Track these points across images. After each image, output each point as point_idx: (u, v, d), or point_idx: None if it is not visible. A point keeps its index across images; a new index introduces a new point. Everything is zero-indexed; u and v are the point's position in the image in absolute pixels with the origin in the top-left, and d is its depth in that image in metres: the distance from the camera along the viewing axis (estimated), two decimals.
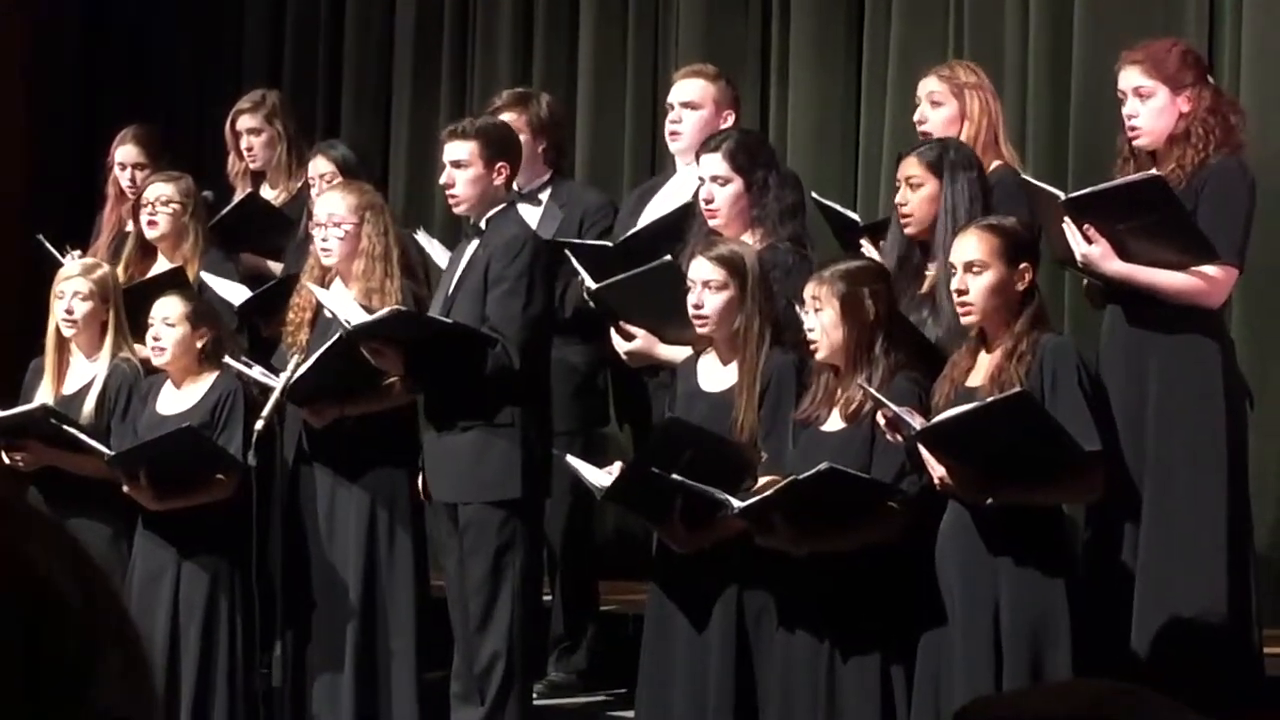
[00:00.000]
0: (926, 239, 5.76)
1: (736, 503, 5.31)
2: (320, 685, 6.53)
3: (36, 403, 6.65)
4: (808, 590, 5.35)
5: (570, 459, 5.99)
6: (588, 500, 6.64)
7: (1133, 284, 5.42)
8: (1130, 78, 5.58)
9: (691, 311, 5.73)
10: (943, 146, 5.84)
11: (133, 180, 7.70)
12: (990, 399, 5.02)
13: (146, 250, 7.29)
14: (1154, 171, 5.42)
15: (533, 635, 6.51)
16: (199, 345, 6.57)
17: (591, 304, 6.50)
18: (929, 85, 6.40)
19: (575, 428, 6.98)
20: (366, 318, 6.21)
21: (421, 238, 7.03)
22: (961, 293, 5.20)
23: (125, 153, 7.79)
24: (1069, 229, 5.42)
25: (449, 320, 6.26)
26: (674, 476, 5.40)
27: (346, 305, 6.31)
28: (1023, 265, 5.21)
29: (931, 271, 5.70)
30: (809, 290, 5.42)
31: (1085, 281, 5.70)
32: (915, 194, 5.75)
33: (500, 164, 6.38)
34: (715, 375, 5.79)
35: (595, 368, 7.14)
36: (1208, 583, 5.34)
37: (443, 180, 6.43)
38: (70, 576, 1.31)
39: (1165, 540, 5.36)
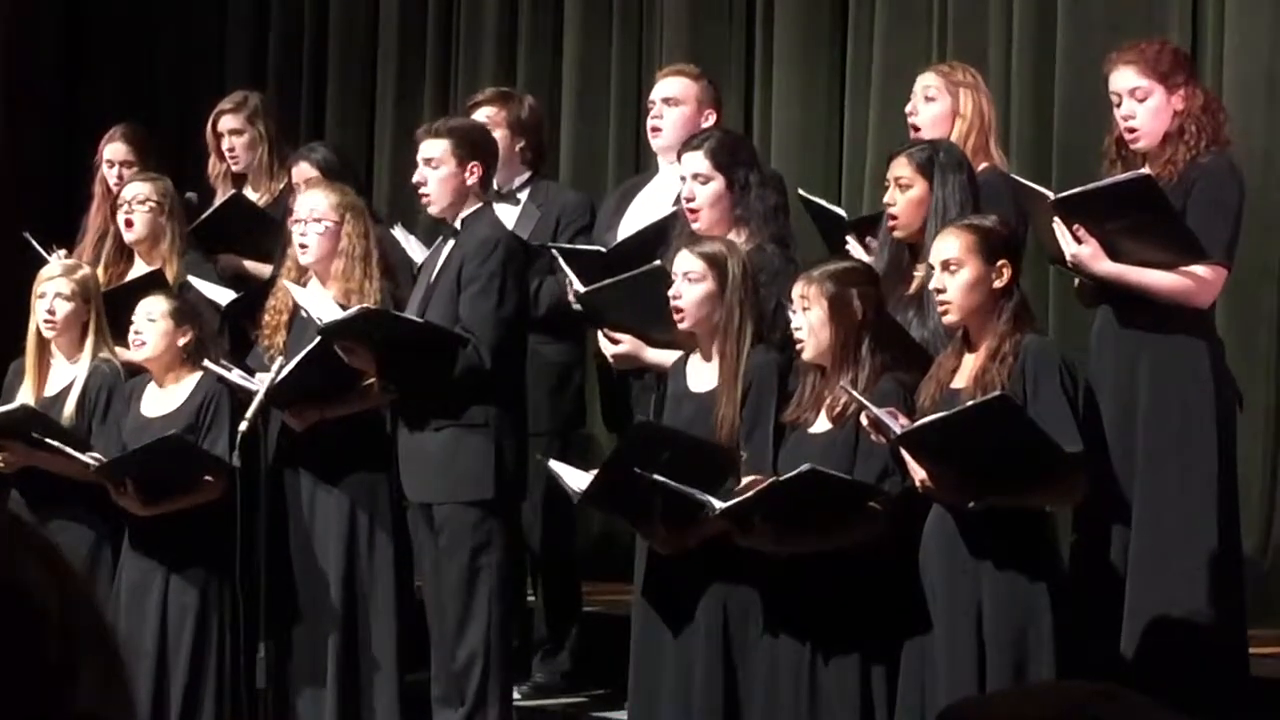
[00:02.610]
0: (916, 241, 5.76)
1: (717, 504, 5.30)
2: (303, 688, 6.52)
3: (17, 403, 6.64)
4: (791, 593, 5.35)
5: (552, 463, 5.98)
6: (569, 501, 6.65)
7: (1123, 284, 5.42)
8: (1124, 79, 5.57)
9: (672, 303, 5.72)
10: (933, 148, 5.83)
11: (120, 178, 7.69)
12: (969, 403, 5.01)
13: (125, 251, 7.28)
14: (1143, 171, 5.42)
15: (512, 636, 6.51)
16: (181, 344, 6.56)
17: (579, 308, 6.50)
18: (926, 80, 6.40)
19: (552, 428, 6.98)
20: (338, 315, 6.20)
21: (398, 233, 7.02)
22: (939, 291, 5.20)
23: (114, 150, 7.79)
24: (1059, 229, 5.42)
25: (419, 319, 6.26)
26: (655, 477, 5.39)
27: (322, 303, 6.30)
28: (1000, 263, 5.19)
29: (920, 273, 5.70)
30: (797, 290, 5.42)
31: (1077, 281, 5.70)
32: (904, 195, 5.74)
33: (473, 164, 6.37)
34: (701, 375, 5.79)
35: (571, 367, 7.14)
36: (1198, 583, 5.34)
37: (415, 178, 6.43)
38: (48, 582, 1.31)
39: (1155, 540, 5.36)
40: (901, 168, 5.76)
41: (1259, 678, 5.60)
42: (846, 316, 5.34)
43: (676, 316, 5.72)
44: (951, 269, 5.18)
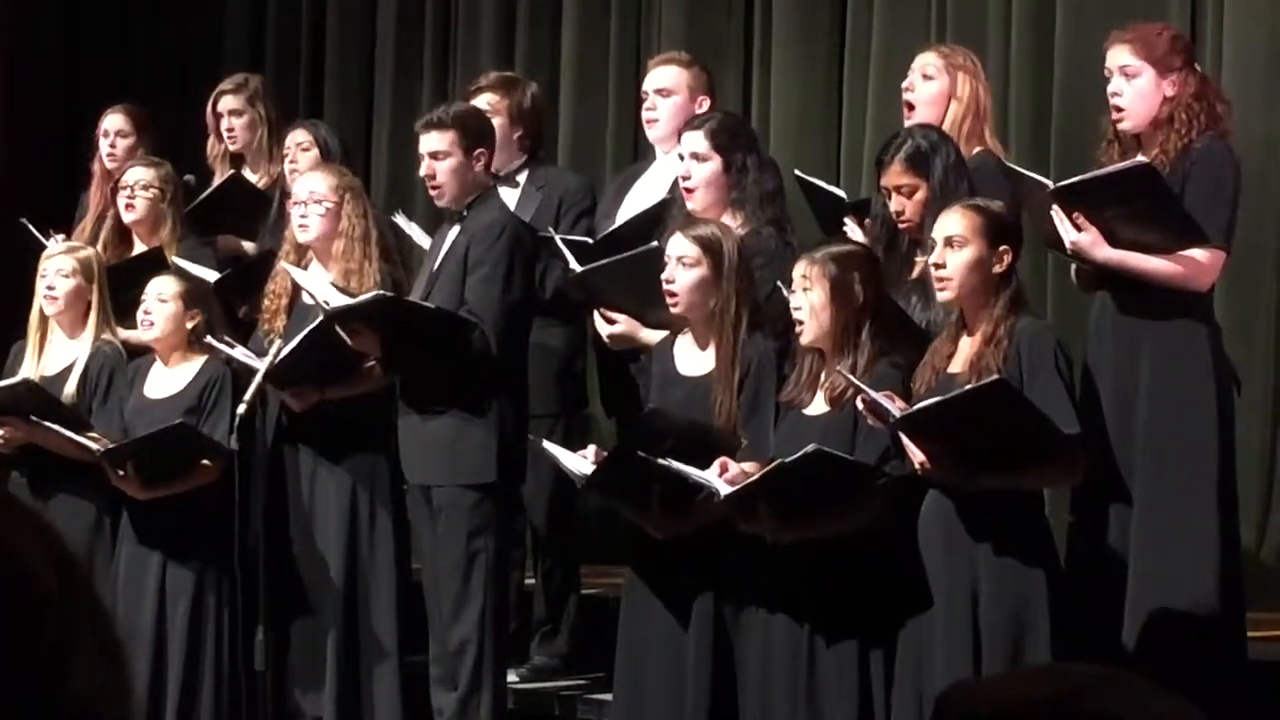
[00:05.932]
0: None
1: (724, 489, 5.30)
2: (302, 669, 6.53)
3: (19, 377, 6.64)
4: (788, 578, 5.35)
5: (548, 445, 5.98)
6: (569, 484, 6.65)
7: (1123, 270, 5.42)
8: (1118, 56, 5.57)
9: (665, 287, 5.72)
10: (911, 140, 5.77)
11: (113, 146, 7.71)
12: (968, 387, 5.02)
13: (124, 235, 7.29)
14: (1143, 158, 5.41)
15: (508, 619, 6.52)
16: (189, 326, 6.58)
17: (571, 293, 6.51)
18: (926, 59, 6.38)
19: (555, 411, 6.98)
20: (346, 300, 6.20)
21: (401, 220, 7.03)
22: (939, 267, 5.20)
23: (111, 121, 7.82)
24: (1058, 217, 5.41)
25: (430, 305, 6.26)
26: (661, 461, 5.38)
27: (323, 287, 6.30)
28: (1003, 248, 5.21)
29: (921, 258, 5.69)
30: (798, 270, 5.41)
31: (1074, 267, 5.70)
32: (911, 200, 5.71)
33: (479, 150, 6.38)
34: (693, 359, 5.79)
35: (574, 351, 7.14)
36: (1198, 568, 5.34)
37: (423, 172, 6.42)
38: (48, 564, 1.31)
39: (1157, 525, 5.36)
40: (899, 176, 5.70)
41: (1256, 661, 5.61)
42: (847, 300, 5.34)
43: (669, 300, 5.72)
44: (955, 246, 5.18)
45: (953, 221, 5.23)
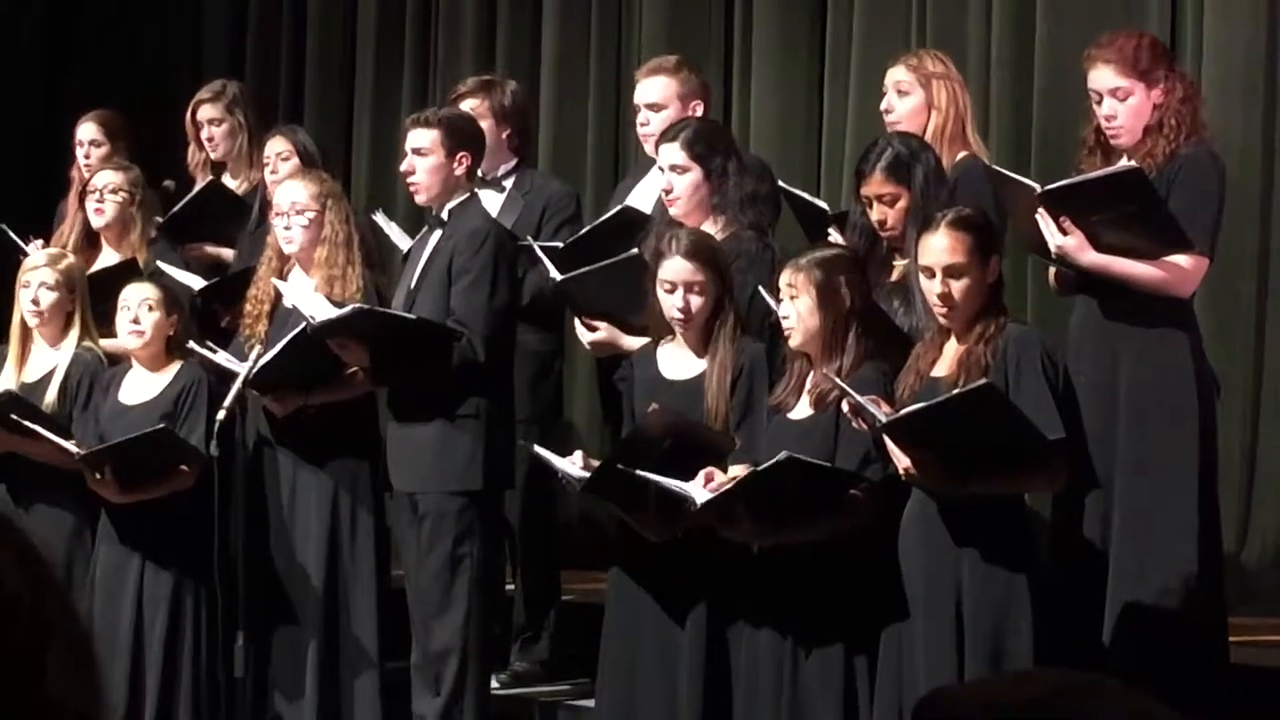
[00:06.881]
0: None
1: (699, 497, 5.29)
2: (282, 675, 6.51)
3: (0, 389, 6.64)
4: (771, 584, 5.34)
5: (541, 451, 5.96)
6: (550, 489, 6.64)
7: (1107, 274, 5.42)
8: (1104, 78, 5.55)
9: (676, 315, 5.69)
10: (893, 150, 5.75)
11: (87, 156, 7.72)
12: (955, 392, 5.00)
13: (93, 240, 7.29)
14: (1133, 163, 5.40)
15: (491, 625, 6.51)
16: (170, 333, 6.57)
17: (554, 298, 6.49)
18: (896, 74, 6.38)
19: (532, 416, 6.97)
20: (329, 314, 6.18)
21: (380, 219, 7.01)
22: (945, 297, 5.15)
23: (84, 130, 7.85)
24: (1044, 221, 5.40)
25: (410, 316, 6.25)
26: (639, 473, 5.38)
27: (309, 299, 6.29)
28: (994, 258, 5.20)
29: (899, 262, 5.69)
30: (784, 278, 5.41)
31: (1053, 271, 5.69)
32: (894, 209, 5.69)
33: (461, 154, 6.37)
34: (680, 364, 5.78)
35: (551, 355, 7.13)
36: (1180, 572, 5.35)
37: (403, 167, 6.43)
38: (17, 569, 1.30)
39: (1138, 530, 5.36)
40: (881, 185, 5.69)
41: (1237, 665, 5.61)
42: (834, 304, 5.33)
43: (684, 325, 5.70)
44: (956, 274, 5.14)
45: (946, 248, 5.14)
